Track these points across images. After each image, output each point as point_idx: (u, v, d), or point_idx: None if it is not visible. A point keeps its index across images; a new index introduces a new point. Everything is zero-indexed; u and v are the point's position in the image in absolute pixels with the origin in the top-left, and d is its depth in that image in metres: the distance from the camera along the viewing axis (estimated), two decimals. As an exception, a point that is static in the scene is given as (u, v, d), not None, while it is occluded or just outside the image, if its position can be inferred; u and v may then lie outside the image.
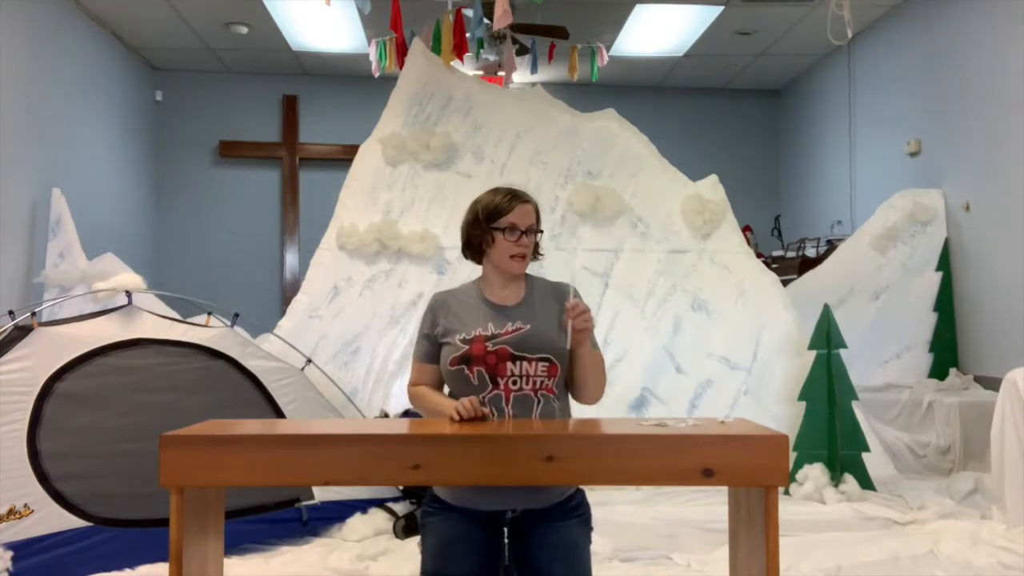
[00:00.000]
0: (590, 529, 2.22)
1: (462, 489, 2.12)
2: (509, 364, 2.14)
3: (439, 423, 2.16)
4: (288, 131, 8.98)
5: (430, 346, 2.25)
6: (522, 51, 6.95)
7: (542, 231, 2.30)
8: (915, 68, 6.77)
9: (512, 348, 2.14)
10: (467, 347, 2.15)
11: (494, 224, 2.22)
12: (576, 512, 2.18)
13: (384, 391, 5.24)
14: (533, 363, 2.15)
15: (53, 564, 3.39)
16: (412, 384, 2.31)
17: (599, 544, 3.79)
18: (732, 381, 5.35)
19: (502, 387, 2.14)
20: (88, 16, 7.17)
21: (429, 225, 5.50)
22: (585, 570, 2.15)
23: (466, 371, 2.15)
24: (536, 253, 2.32)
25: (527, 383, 2.15)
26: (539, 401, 2.16)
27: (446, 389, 2.28)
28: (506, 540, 2.15)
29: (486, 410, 2.12)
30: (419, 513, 2.21)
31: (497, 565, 2.15)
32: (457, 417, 2.08)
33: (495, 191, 2.29)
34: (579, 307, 2.14)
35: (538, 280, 2.33)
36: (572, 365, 2.20)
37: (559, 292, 2.27)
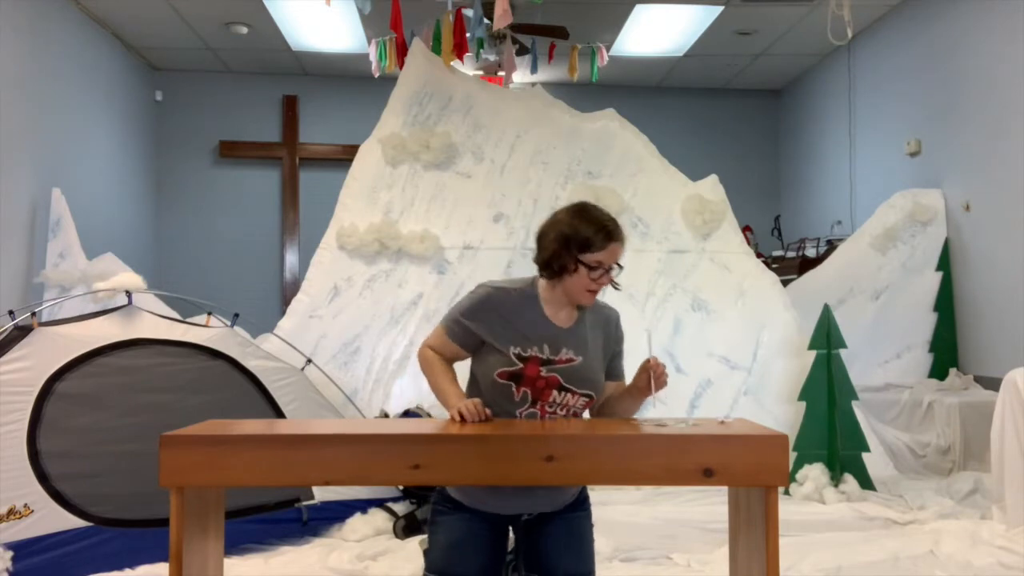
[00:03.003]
0: (592, 525, 2.26)
1: (477, 492, 2.13)
2: (554, 392, 2.15)
3: (439, 423, 2.17)
4: (288, 131, 8.98)
5: (465, 334, 2.18)
6: (522, 51, 6.95)
7: (622, 266, 2.21)
8: (915, 68, 6.77)
9: (562, 378, 2.15)
10: (521, 366, 2.12)
11: (581, 257, 2.13)
12: (583, 506, 2.23)
13: (384, 391, 5.24)
14: (576, 396, 2.17)
15: (53, 564, 3.39)
16: (429, 346, 2.24)
17: (599, 544, 3.79)
18: (732, 381, 5.35)
19: (539, 408, 2.16)
20: (88, 16, 7.16)
21: (429, 225, 5.50)
22: (590, 562, 2.19)
23: (513, 388, 2.13)
24: (613, 285, 2.24)
25: (562, 410, 2.17)
26: None
27: (460, 378, 2.27)
28: (512, 535, 2.18)
29: (488, 412, 2.11)
30: (424, 511, 2.23)
31: (501, 561, 2.18)
32: (459, 419, 2.08)
33: (587, 217, 2.16)
34: (659, 369, 2.19)
35: (592, 306, 2.27)
36: (618, 406, 2.27)
37: (607, 321, 2.27)
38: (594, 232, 2.13)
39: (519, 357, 2.12)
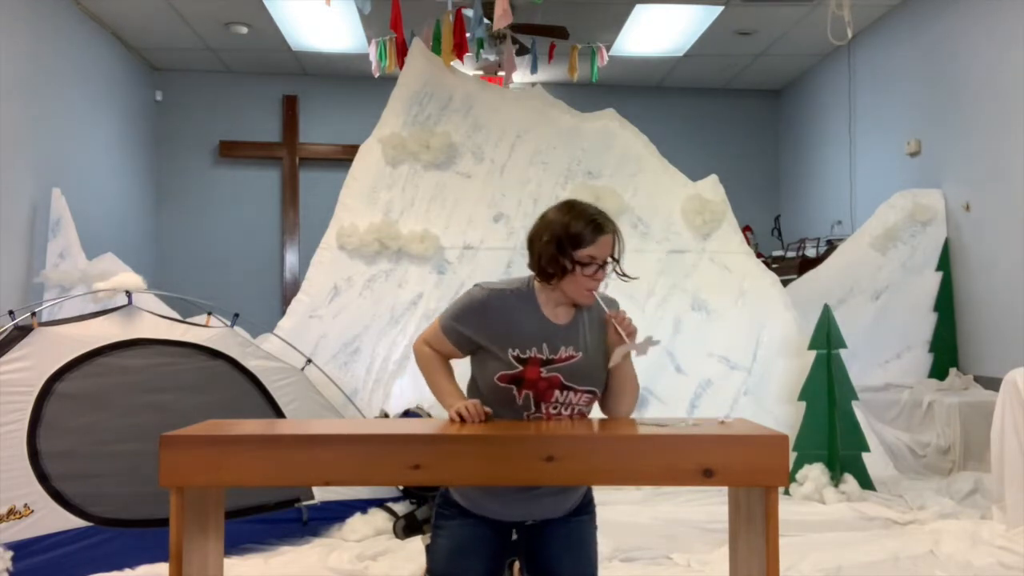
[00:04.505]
0: (595, 527, 2.25)
1: (479, 498, 2.12)
2: (557, 391, 2.12)
3: (439, 423, 2.17)
4: (288, 131, 8.98)
5: (459, 337, 2.15)
6: (522, 51, 6.95)
7: (617, 259, 2.17)
8: (915, 68, 6.77)
9: (563, 377, 2.12)
10: (521, 368, 2.09)
11: (574, 255, 2.09)
12: (587, 510, 2.21)
13: (384, 391, 5.24)
14: (579, 394, 2.14)
15: (53, 564, 3.39)
16: (425, 342, 2.22)
17: (599, 544, 3.80)
18: (732, 381, 5.35)
19: (544, 411, 2.13)
20: (88, 16, 7.16)
21: (429, 225, 5.50)
22: (591, 565, 2.18)
23: (515, 391, 2.10)
24: (621, 277, 2.21)
25: (567, 409, 2.15)
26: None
27: (456, 374, 2.25)
28: (514, 536, 2.17)
29: (488, 410, 2.10)
30: (424, 511, 2.23)
31: (503, 564, 2.18)
32: (458, 419, 2.08)
33: (574, 212, 2.13)
34: (619, 317, 2.12)
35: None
36: (615, 379, 2.19)
37: (601, 312, 2.17)
38: (583, 226, 2.10)
39: (518, 359, 2.09)
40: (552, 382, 2.11)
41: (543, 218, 2.19)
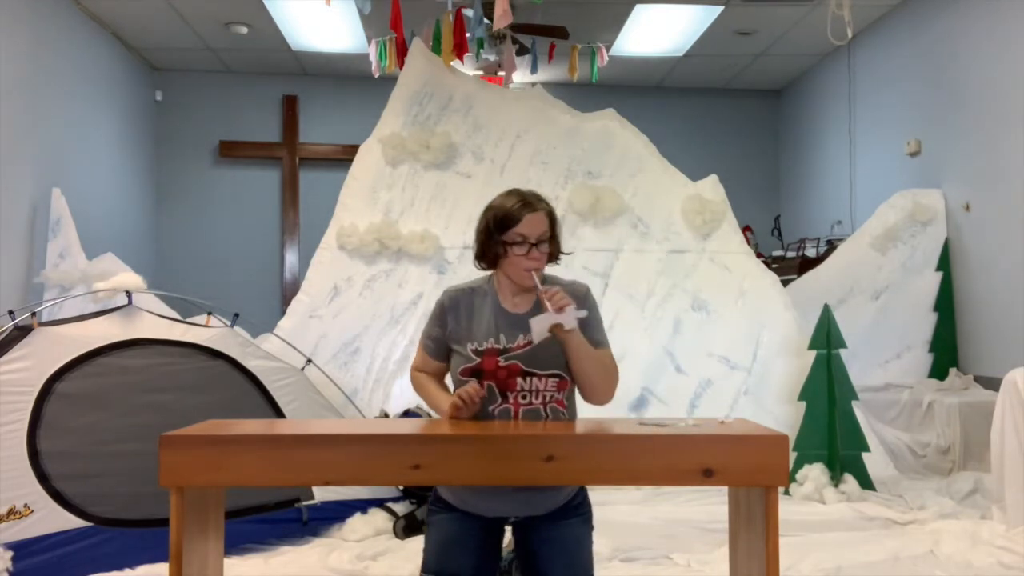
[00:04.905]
0: (591, 528, 2.23)
1: (465, 494, 2.14)
2: (519, 379, 2.12)
3: (439, 423, 2.17)
4: (288, 131, 8.98)
5: (436, 345, 2.23)
6: (522, 51, 6.95)
7: (555, 237, 2.20)
8: (915, 68, 6.77)
9: (523, 364, 2.12)
10: (479, 360, 2.13)
11: (504, 236, 2.14)
12: (578, 511, 2.19)
13: (384, 391, 5.24)
14: (543, 379, 2.13)
15: (53, 564, 3.39)
16: (415, 368, 2.31)
17: (599, 544, 3.78)
18: (732, 381, 5.35)
19: (511, 401, 2.14)
20: (88, 16, 7.16)
21: (429, 225, 5.50)
22: (585, 567, 2.16)
23: (477, 384, 2.14)
24: (555, 257, 2.24)
25: (536, 397, 2.14)
26: (548, 416, 2.16)
27: (448, 378, 2.29)
28: (509, 536, 2.18)
29: (483, 392, 2.11)
30: (423, 511, 2.24)
31: (494, 562, 2.17)
32: (460, 404, 2.09)
33: (507, 195, 2.20)
34: (547, 292, 2.09)
35: (556, 283, 2.25)
36: (570, 361, 2.13)
37: (574, 296, 2.18)
38: (511, 206, 2.15)
39: (476, 352, 2.14)
40: (512, 370, 2.12)
41: (483, 210, 2.25)
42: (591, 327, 2.18)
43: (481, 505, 2.13)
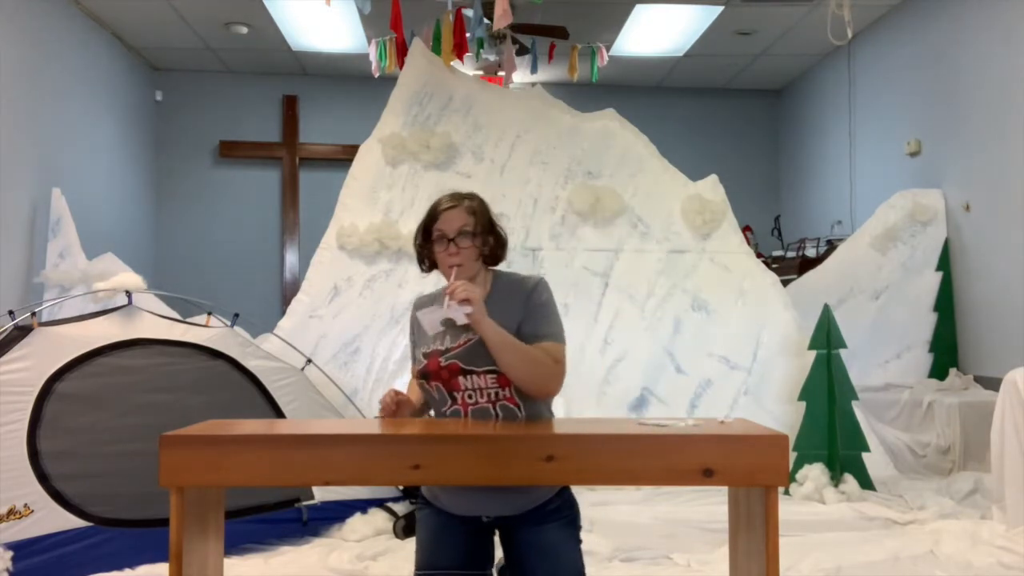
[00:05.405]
0: (576, 529, 2.19)
1: (437, 490, 2.16)
2: (461, 379, 2.12)
3: (439, 423, 2.17)
4: (288, 131, 8.98)
5: (412, 352, 2.30)
6: (522, 51, 6.95)
7: (485, 232, 2.18)
8: (915, 68, 6.77)
9: (462, 362, 2.11)
10: (425, 362, 2.17)
11: (429, 235, 2.20)
12: (557, 515, 2.15)
13: (384, 391, 5.23)
14: (482, 376, 2.10)
15: (53, 564, 3.39)
16: (412, 377, 2.34)
17: (599, 544, 3.80)
18: (732, 381, 5.35)
19: (460, 402, 2.14)
20: (88, 16, 7.16)
21: (429, 225, 5.49)
22: (569, 570, 2.13)
23: (427, 386, 2.18)
24: (492, 254, 2.21)
25: (482, 396, 2.12)
26: (498, 414, 2.13)
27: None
28: (496, 539, 2.18)
29: (397, 397, 2.18)
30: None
31: (483, 561, 2.17)
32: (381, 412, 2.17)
33: (439, 198, 2.25)
34: (450, 285, 2.08)
35: (505, 279, 2.24)
36: (492, 354, 2.08)
37: (518, 290, 2.17)
38: (433, 205, 2.22)
39: (424, 355, 2.17)
40: (452, 370, 2.12)
41: None
42: (534, 319, 2.13)
43: (451, 503, 2.14)
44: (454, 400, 2.14)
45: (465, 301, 2.04)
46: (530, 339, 2.11)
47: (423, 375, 2.17)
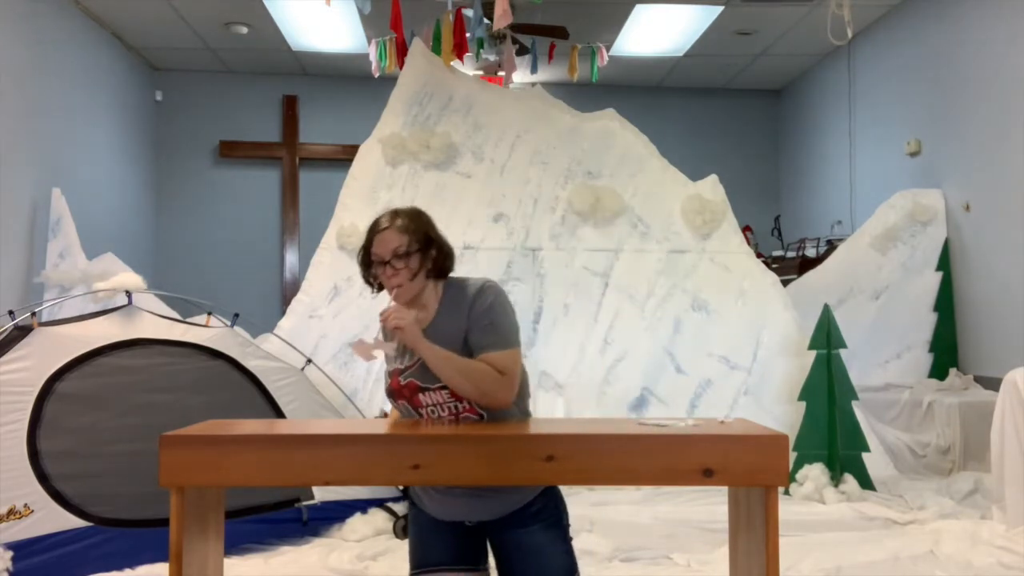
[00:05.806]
0: (562, 528, 2.17)
1: (419, 491, 2.17)
2: (421, 395, 2.13)
3: (440, 423, 2.17)
4: (288, 131, 8.98)
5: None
6: (522, 51, 6.95)
7: (412, 251, 2.14)
8: (915, 68, 6.77)
9: (418, 380, 2.12)
10: (390, 380, 2.19)
11: (365, 264, 2.19)
12: (540, 516, 2.13)
13: (384, 391, 5.24)
14: (437, 391, 2.10)
15: (53, 564, 3.39)
16: None
17: (599, 544, 3.81)
18: (732, 381, 5.35)
19: (424, 417, 2.16)
20: (88, 16, 7.16)
21: (429, 225, 5.49)
22: (556, 570, 2.12)
23: (395, 404, 2.20)
24: (436, 267, 2.18)
25: (443, 410, 2.12)
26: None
27: None
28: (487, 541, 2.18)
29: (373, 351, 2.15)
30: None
31: (475, 557, 2.17)
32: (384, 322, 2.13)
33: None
34: (383, 312, 2.10)
35: (454, 288, 2.19)
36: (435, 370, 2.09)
37: (461, 299, 2.13)
38: (369, 228, 2.19)
39: (388, 375, 2.20)
40: (411, 387, 2.14)
41: None
42: (476, 329, 2.10)
43: (433, 508, 2.14)
44: (420, 415, 2.16)
45: (396, 328, 2.05)
46: (476, 350, 2.09)
47: (389, 394, 2.21)
